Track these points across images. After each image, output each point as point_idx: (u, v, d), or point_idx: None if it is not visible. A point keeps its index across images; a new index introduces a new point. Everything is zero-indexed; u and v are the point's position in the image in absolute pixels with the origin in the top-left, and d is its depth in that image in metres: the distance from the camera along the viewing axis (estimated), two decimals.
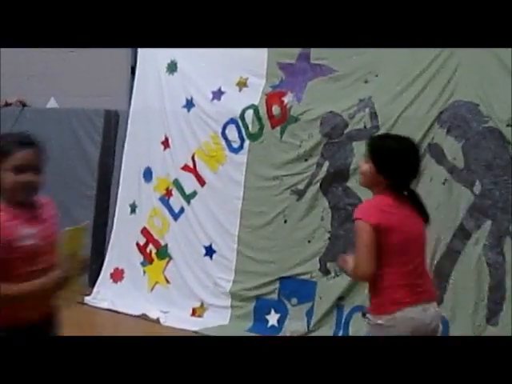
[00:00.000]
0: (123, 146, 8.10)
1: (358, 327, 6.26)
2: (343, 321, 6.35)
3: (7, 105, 9.45)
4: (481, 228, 5.84)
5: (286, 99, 6.89)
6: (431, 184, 6.04)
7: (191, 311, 7.24)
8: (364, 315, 3.80)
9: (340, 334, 6.34)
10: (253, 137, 7.05)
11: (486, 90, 5.86)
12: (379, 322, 3.63)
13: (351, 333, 6.32)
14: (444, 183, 6.00)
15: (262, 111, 7.00)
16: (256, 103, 7.05)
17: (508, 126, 5.74)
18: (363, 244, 3.59)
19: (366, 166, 3.81)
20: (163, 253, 7.61)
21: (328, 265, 6.52)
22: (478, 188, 5.87)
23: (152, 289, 7.63)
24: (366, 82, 6.48)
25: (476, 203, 5.87)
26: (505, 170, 5.74)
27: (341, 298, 6.44)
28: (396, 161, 3.74)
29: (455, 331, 5.85)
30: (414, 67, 6.19)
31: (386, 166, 3.73)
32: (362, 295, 6.31)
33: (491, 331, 5.72)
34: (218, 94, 7.34)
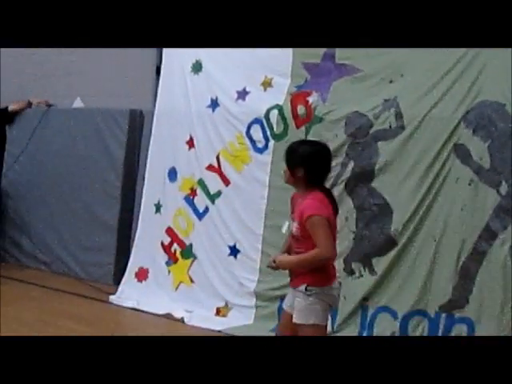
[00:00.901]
0: (148, 146, 8.13)
1: (383, 327, 6.26)
2: (368, 321, 6.33)
3: (30, 105, 9.50)
4: (507, 229, 5.80)
5: (310, 99, 6.87)
6: (457, 185, 6.01)
7: (215, 311, 7.25)
8: (306, 289, 4.54)
9: (364, 334, 6.33)
10: (277, 137, 7.05)
11: None
12: (323, 291, 4.55)
13: (376, 333, 6.30)
14: (470, 184, 5.96)
15: (287, 111, 6.99)
16: (281, 103, 7.04)
17: None
18: (325, 233, 4.46)
19: (285, 168, 4.72)
20: (188, 252, 7.62)
21: (353, 265, 6.50)
22: (504, 189, 5.83)
23: (176, 288, 7.65)
24: (391, 81, 6.46)
25: (502, 204, 5.83)
26: None
27: (365, 299, 6.42)
28: (302, 162, 4.57)
29: (480, 333, 5.82)
30: (440, 67, 6.15)
31: (295, 167, 4.60)
32: (387, 295, 6.30)
33: None
34: (242, 94, 7.34)
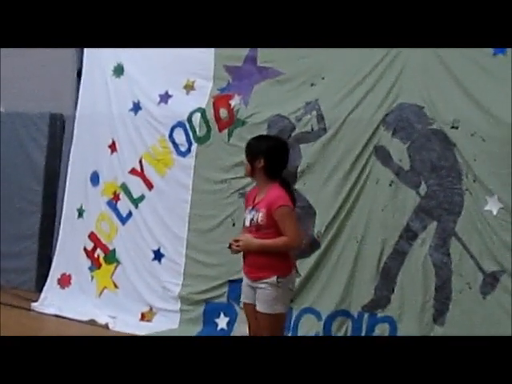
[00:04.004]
0: (69, 151, 8.02)
1: (308, 329, 6.30)
2: (292, 323, 6.36)
3: None
4: (426, 229, 5.91)
5: (233, 102, 6.89)
6: (377, 186, 6.10)
7: (140, 316, 7.20)
8: (278, 280, 4.67)
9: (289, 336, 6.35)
10: (200, 140, 7.04)
11: (431, 93, 5.94)
12: (289, 280, 4.76)
13: (300, 334, 6.34)
14: (390, 185, 6.06)
15: (210, 114, 6.99)
16: (203, 106, 7.04)
17: (452, 127, 5.81)
18: (295, 224, 4.73)
19: (246, 161, 4.92)
20: (111, 257, 7.55)
21: None
22: (423, 189, 5.94)
23: (100, 294, 7.57)
24: (312, 84, 6.51)
25: (421, 204, 5.93)
26: (449, 171, 5.82)
27: (290, 300, 6.44)
28: (261, 155, 4.75)
29: (402, 331, 5.91)
30: (360, 70, 6.24)
31: (255, 159, 4.79)
32: (311, 297, 6.35)
33: (438, 331, 5.79)
34: (165, 97, 7.30)
